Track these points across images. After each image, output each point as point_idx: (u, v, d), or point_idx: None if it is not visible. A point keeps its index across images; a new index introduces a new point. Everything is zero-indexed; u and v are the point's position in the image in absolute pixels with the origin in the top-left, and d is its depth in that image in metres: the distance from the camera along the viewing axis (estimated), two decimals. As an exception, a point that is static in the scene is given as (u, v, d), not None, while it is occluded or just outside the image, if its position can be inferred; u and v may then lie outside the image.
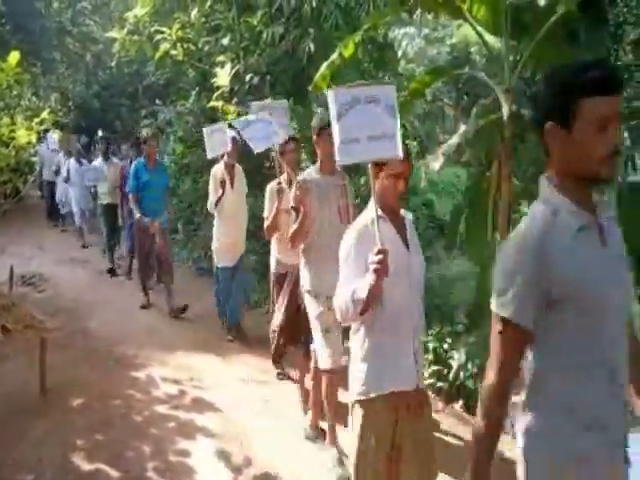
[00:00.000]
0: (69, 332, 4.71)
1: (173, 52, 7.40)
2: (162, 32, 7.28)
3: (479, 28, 4.70)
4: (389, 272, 1.75)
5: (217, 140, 4.37)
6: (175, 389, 3.75)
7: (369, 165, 1.91)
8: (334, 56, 4.77)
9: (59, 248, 8.15)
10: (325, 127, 2.51)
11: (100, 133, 9.61)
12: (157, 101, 9.13)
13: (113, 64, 10.50)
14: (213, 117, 7.12)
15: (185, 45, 7.46)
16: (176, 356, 4.33)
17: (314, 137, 2.84)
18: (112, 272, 6.78)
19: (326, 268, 2.55)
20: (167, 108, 8.48)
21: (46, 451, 2.96)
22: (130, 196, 5.19)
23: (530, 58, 4.44)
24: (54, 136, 8.98)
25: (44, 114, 5.10)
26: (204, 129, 4.50)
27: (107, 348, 4.43)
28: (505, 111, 4.20)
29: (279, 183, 3.42)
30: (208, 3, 7.28)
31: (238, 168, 4.69)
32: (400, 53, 14.08)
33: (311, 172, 2.91)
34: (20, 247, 7.74)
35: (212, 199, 4.49)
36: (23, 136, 4.51)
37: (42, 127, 9.03)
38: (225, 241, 4.58)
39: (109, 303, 5.63)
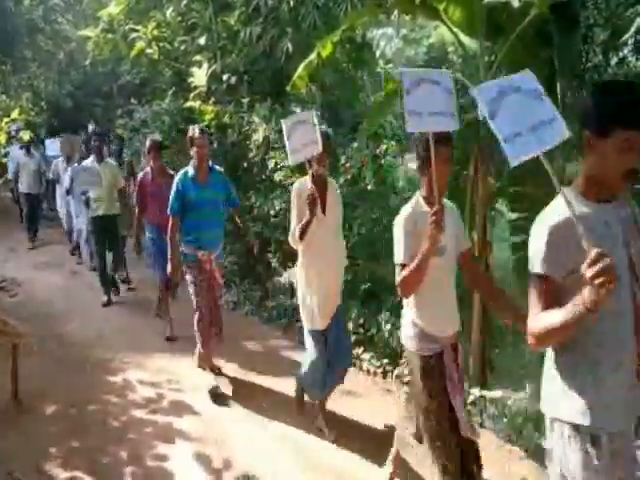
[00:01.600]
0: (43, 337, 4.58)
1: (149, 51, 7.30)
2: (137, 31, 7.17)
3: (455, 29, 4.76)
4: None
5: (303, 136, 2.86)
6: (153, 393, 3.69)
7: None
8: (312, 56, 4.77)
9: (32, 251, 7.94)
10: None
11: (91, 128, 9.12)
12: (132, 100, 8.97)
13: (87, 63, 10.30)
14: (190, 117, 7.04)
15: (161, 44, 7.37)
16: (154, 359, 4.26)
17: None
18: (109, 303, 5.61)
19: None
20: (143, 108, 8.34)
21: (17, 461, 2.88)
22: (171, 221, 3.70)
23: (504, 59, 4.51)
24: (56, 141, 8.15)
25: (14, 113, 4.98)
26: (283, 121, 3.02)
27: (82, 353, 4.33)
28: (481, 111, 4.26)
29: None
30: (184, 2, 7.19)
31: (332, 182, 3.24)
32: (378, 53, 14.19)
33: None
34: (-9, 251, 7.54)
35: (295, 227, 2.96)
36: (-8, 136, 4.38)
37: (14, 127, 8.76)
38: (317, 292, 3.03)
39: (84, 307, 5.51)
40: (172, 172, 4.51)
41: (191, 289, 3.73)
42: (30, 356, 3.99)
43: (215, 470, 2.84)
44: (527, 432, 3.01)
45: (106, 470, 2.83)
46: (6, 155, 8.90)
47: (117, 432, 3.20)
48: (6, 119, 5.03)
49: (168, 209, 3.71)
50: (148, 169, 4.67)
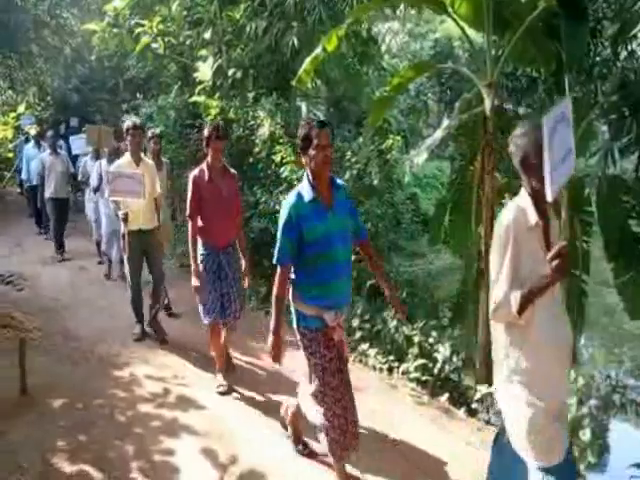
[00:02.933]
0: (50, 332, 4.62)
1: (154, 45, 7.29)
2: (142, 25, 7.16)
3: (462, 23, 4.72)
4: None
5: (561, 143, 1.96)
6: (159, 387, 3.70)
7: None
8: (318, 50, 4.75)
9: (39, 246, 7.98)
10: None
11: (73, 123, 8.79)
12: (138, 95, 8.98)
13: (93, 58, 10.31)
14: (195, 112, 7.04)
15: (166, 39, 7.36)
16: (159, 354, 4.28)
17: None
18: (143, 336, 4.55)
19: None
20: (148, 102, 8.35)
21: (26, 454, 2.89)
22: (279, 276, 2.47)
23: (511, 53, 4.48)
24: (82, 137, 7.51)
25: (21, 108, 4.99)
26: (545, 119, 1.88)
27: (89, 347, 4.35)
28: (487, 105, 4.24)
29: None
30: (189, -5, 7.18)
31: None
32: (384, 48, 14.11)
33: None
34: (-2, 245, 7.58)
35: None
36: (-2, 131, 4.40)
37: (27, 121, 8.57)
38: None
39: (90, 302, 5.53)
40: (233, 171, 3.73)
41: (313, 375, 2.51)
42: (37, 350, 4.03)
43: (221, 465, 2.85)
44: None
45: (112, 464, 2.84)
46: (15, 149, 8.80)
47: (123, 426, 3.22)
48: (12, 114, 5.03)
49: (274, 258, 2.46)
50: (204, 166, 3.57)
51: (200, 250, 3.57)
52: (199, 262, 3.52)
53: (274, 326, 2.49)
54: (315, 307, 2.45)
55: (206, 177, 3.54)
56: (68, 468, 2.81)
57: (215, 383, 3.68)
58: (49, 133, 7.84)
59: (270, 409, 3.39)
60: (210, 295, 3.53)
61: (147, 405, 3.46)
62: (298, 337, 2.55)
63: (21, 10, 10.81)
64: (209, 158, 3.56)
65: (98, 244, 6.72)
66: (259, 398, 3.60)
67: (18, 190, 11.27)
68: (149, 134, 5.09)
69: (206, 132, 3.51)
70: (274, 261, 2.48)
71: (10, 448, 2.95)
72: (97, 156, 6.47)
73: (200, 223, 3.55)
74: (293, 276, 2.52)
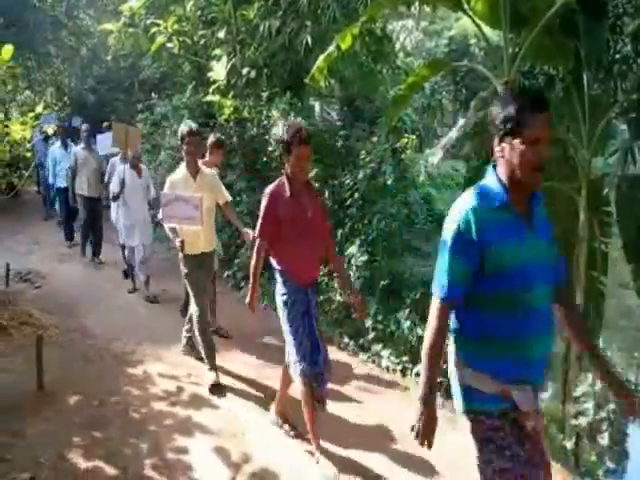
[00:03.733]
0: (66, 329, 4.68)
1: (169, 45, 7.34)
2: (158, 25, 7.21)
3: (478, 20, 4.66)
4: None
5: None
6: (173, 385, 3.73)
7: None
8: (331, 49, 4.73)
9: (55, 244, 8.10)
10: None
11: (78, 123, 8.14)
12: (153, 95, 9.04)
13: (109, 58, 10.42)
14: (209, 111, 7.08)
15: (181, 38, 7.39)
16: (173, 352, 4.31)
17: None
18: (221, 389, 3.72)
19: None
20: (163, 102, 8.41)
21: (42, 449, 2.93)
22: (438, 307, 1.68)
23: (529, 50, 4.40)
24: (108, 135, 6.75)
25: (39, 108, 5.06)
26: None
27: (104, 345, 4.40)
28: (504, 104, 4.17)
29: None
30: (204, -5, 7.20)
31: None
32: (398, 46, 14.02)
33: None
34: (16, 243, 7.70)
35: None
36: (17, 131, 4.46)
37: (50, 119, 8.37)
38: None
39: (105, 299, 5.60)
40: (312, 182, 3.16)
41: None
42: (54, 347, 4.08)
43: (233, 464, 2.86)
44: (550, 433, 2.95)
45: (127, 461, 2.87)
46: (33, 148, 8.89)
47: (138, 424, 3.25)
48: (31, 114, 5.10)
49: (434, 288, 1.70)
50: (283, 179, 2.86)
51: (280, 288, 2.89)
52: (284, 302, 2.87)
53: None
54: (497, 383, 1.62)
55: (287, 192, 2.80)
56: (83, 464, 2.85)
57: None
58: (84, 127, 7.23)
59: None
60: (299, 333, 2.82)
61: (161, 403, 3.49)
62: (468, 426, 1.72)
63: (40, 12, 10.98)
64: (290, 168, 2.81)
65: (124, 248, 6.30)
66: (270, 396, 3.60)
67: (35, 188, 11.45)
68: (210, 140, 4.46)
69: (286, 135, 2.77)
70: (434, 292, 1.68)
71: (27, 443, 2.99)
72: (124, 159, 5.96)
73: (278, 251, 2.89)
74: (454, 324, 1.73)
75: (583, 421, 2.82)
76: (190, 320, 4.04)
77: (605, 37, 4.66)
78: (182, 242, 3.66)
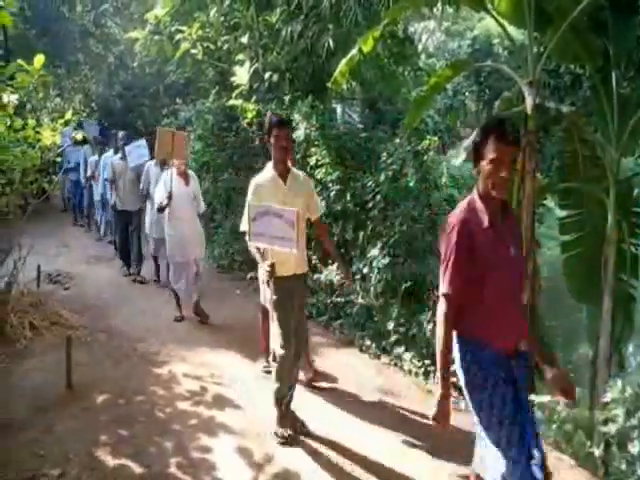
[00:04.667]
0: (94, 329, 4.80)
1: (193, 51, 7.47)
2: (182, 31, 7.36)
3: (502, 20, 4.61)
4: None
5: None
6: (196, 386, 3.79)
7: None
8: (353, 52, 4.75)
9: (84, 247, 8.33)
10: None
11: (121, 134, 6.78)
12: (177, 100, 9.23)
13: (135, 64, 10.68)
14: (232, 115, 7.17)
15: (205, 44, 7.53)
16: (197, 353, 4.38)
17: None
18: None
19: None
20: (187, 107, 8.57)
21: (72, 446, 3.01)
22: None
23: (555, 50, 4.33)
24: (141, 145, 6.25)
25: (68, 115, 5.21)
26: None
27: (131, 345, 4.50)
28: (529, 104, 4.11)
29: None
30: (227, 2, 7.32)
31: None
32: (420, 47, 13.94)
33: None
34: (46, 246, 7.93)
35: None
36: (48, 137, 4.60)
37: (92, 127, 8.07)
38: None
39: (132, 301, 5.71)
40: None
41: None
42: (83, 347, 4.19)
43: (256, 464, 2.88)
44: (577, 439, 2.88)
45: (152, 459, 2.92)
46: (60, 155, 9.12)
47: (162, 423, 3.31)
48: (60, 120, 5.26)
49: None
50: (474, 197, 2.05)
51: (469, 357, 2.04)
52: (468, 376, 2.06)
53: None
54: None
55: (484, 222, 1.98)
56: (111, 461, 2.91)
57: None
58: (120, 134, 6.69)
59: (306, 410, 3.40)
60: (504, 427, 1.96)
61: (185, 403, 3.55)
62: None
63: (69, 21, 11.34)
64: (484, 183, 1.99)
65: (156, 260, 6.14)
66: (296, 397, 3.62)
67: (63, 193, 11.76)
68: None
69: (477, 135, 2.04)
70: None
71: (57, 439, 3.08)
72: (163, 164, 5.65)
73: (471, 308, 2.01)
74: None
75: (613, 428, 2.74)
76: (271, 357, 3.65)
77: (635, 34, 4.55)
78: (272, 265, 2.89)
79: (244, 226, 3.10)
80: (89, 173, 8.30)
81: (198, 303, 5.08)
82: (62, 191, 10.41)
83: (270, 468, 2.85)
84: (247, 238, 3.03)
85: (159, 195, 4.95)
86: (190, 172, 5.19)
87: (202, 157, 7.39)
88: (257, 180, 3.10)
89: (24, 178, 4.81)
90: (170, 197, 4.81)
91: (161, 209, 4.93)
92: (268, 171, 3.10)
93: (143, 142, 6.30)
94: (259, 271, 3.65)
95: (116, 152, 6.81)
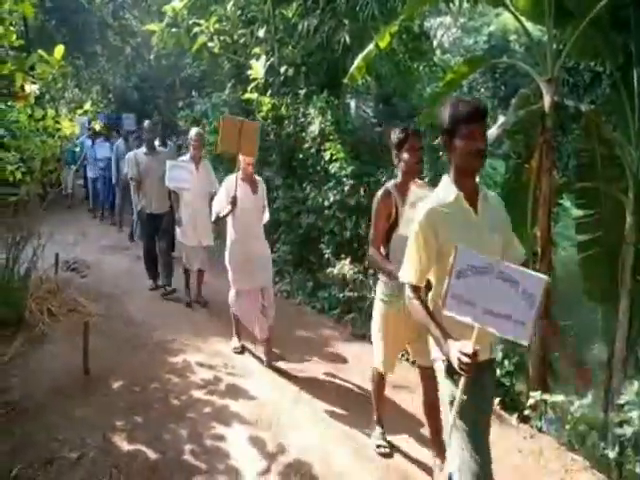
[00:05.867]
0: (111, 317, 4.88)
1: (210, 44, 7.50)
2: (199, 25, 7.39)
3: (520, 16, 4.57)
4: None
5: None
6: (210, 375, 3.84)
7: None
8: (370, 47, 4.74)
9: (101, 235, 8.45)
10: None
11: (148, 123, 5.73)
12: (193, 93, 9.27)
13: (152, 57, 10.75)
14: (248, 108, 7.20)
15: (221, 37, 7.55)
16: (211, 342, 4.43)
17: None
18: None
19: None
20: (203, 100, 8.61)
21: (88, 431, 3.08)
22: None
23: (574, 47, 4.30)
24: (185, 166, 5.00)
25: (86, 106, 5.28)
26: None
27: (147, 333, 4.57)
28: (547, 101, 4.09)
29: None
30: (244, -5, 7.33)
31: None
32: (435, 43, 13.81)
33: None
34: (64, 234, 8.04)
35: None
36: (67, 127, 4.68)
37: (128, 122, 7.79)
38: None
39: (147, 289, 5.78)
40: None
41: None
42: (100, 334, 4.26)
43: (269, 454, 2.93)
44: (591, 441, 2.88)
45: (166, 446, 2.98)
46: (77, 145, 9.22)
47: (177, 410, 3.36)
48: (79, 110, 5.34)
49: None
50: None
51: None
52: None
53: None
54: None
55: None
56: (126, 447, 2.97)
57: None
58: (146, 124, 5.68)
59: (318, 402, 3.44)
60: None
61: (199, 391, 3.60)
62: None
63: (88, 13, 11.45)
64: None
65: (187, 274, 5.36)
66: (308, 389, 3.66)
67: (81, 182, 11.90)
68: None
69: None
70: None
71: (75, 424, 3.15)
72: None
73: None
74: None
75: (628, 431, 2.74)
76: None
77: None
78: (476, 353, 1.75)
79: (409, 275, 1.97)
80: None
81: (269, 342, 4.06)
82: (65, 182, 9.68)
83: (283, 458, 2.89)
84: (408, 294, 1.97)
85: (219, 203, 4.03)
86: (257, 177, 4.18)
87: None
88: (431, 204, 1.94)
89: (44, 167, 4.89)
90: (234, 203, 3.86)
91: (217, 219, 4.13)
92: (445, 188, 1.98)
93: (189, 166, 5.02)
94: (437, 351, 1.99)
95: (137, 144, 6.77)
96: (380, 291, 2.81)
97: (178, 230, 5.22)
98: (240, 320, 4.18)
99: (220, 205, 4.01)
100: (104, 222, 9.47)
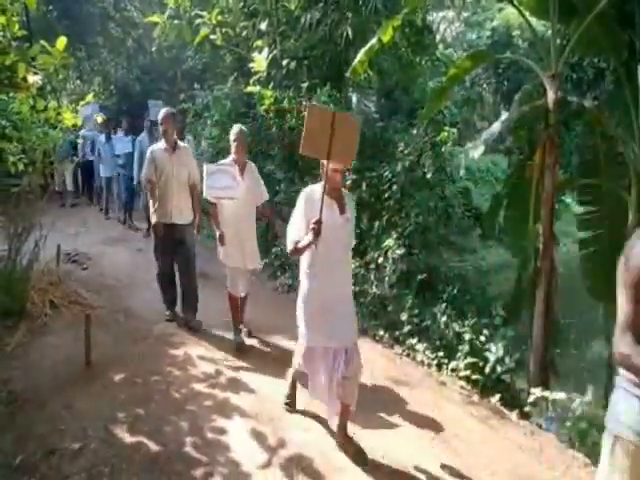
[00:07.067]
0: (111, 309, 4.89)
1: (212, 37, 7.47)
2: (201, 17, 7.35)
3: (524, 11, 4.55)
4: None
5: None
6: (211, 368, 3.85)
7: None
8: (373, 41, 4.72)
9: (102, 227, 8.45)
10: None
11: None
12: (195, 85, 9.24)
13: (153, 49, 10.70)
14: (250, 101, 7.18)
15: (223, 30, 7.52)
16: (212, 336, 4.44)
17: None
18: None
19: None
20: (205, 92, 8.58)
21: (90, 422, 3.10)
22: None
23: (579, 42, 4.27)
24: (228, 170, 4.00)
25: (89, 97, 5.26)
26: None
27: (148, 326, 4.57)
28: (550, 97, 4.07)
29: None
30: (247, -13, 7.29)
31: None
32: (438, 37, 13.73)
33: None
34: (65, 225, 8.05)
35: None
36: (69, 119, 4.66)
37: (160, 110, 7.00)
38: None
39: (149, 282, 5.76)
40: None
41: None
42: (101, 326, 4.27)
43: (270, 448, 2.94)
44: (592, 438, 2.89)
45: (168, 438, 2.99)
46: (84, 137, 8.99)
47: (178, 403, 3.38)
48: (82, 102, 5.33)
49: None
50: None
51: None
52: None
53: None
54: None
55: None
56: (128, 438, 2.99)
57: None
58: (164, 112, 4.53)
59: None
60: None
61: (200, 384, 3.61)
62: None
63: (90, 4, 11.39)
64: None
65: (232, 300, 4.31)
66: (306, 384, 3.66)
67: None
68: None
69: None
70: None
71: (77, 415, 3.17)
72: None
73: None
74: None
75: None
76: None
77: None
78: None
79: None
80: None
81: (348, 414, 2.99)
82: (61, 179, 9.09)
83: (284, 452, 2.91)
84: None
85: (295, 227, 2.80)
86: (344, 190, 3.02)
87: (219, 143, 7.42)
88: None
89: (45, 158, 4.88)
90: (319, 230, 2.61)
91: (296, 252, 2.82)
92: None
93: (233, 171, 4.05)
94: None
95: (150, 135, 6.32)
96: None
97: (220, 249, 4.18)
98: (304, 385, 3.18)
99: (297, 230, 2.78)
100: (126, 227, 8.48)
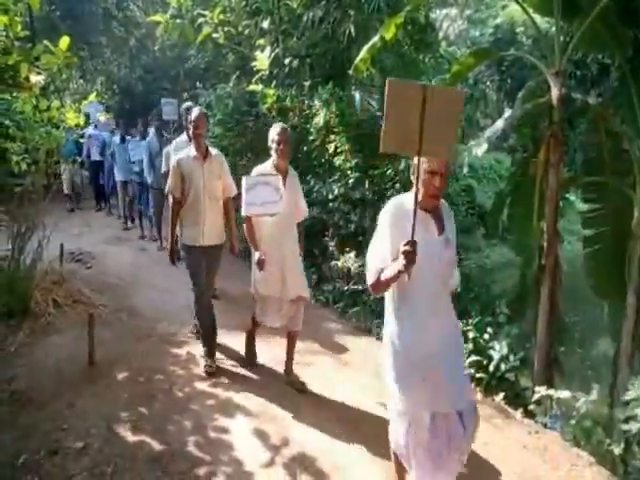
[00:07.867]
0: (115, 308, 4.90)
1: (214, 35, 7.47)
2: (204, 16, 7.35)
3: (527, 8, 4.53)
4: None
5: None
6: (214, 367, 3.84)
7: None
8: (375, 39, 4.71)
9: (106, 227, 8.47)
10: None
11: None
12: (198, 84, 9.24)
13: (156, 48, 10.72)
14: (252, 100, 7.17)
15: (226, 28, 7.51)
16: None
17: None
18: None
19: None
20: (207, 91, 8.58)
21: (94, 421, 3.10)
22: None
23: (582, 39, 4.25)
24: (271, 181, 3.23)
25: (91, 97, 5.27)
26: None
27: (151, 325, 4.58)
28: (554, 94, 4.05)
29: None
30: (249, -14, 7.28)
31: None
32: (441, 35, 13.70)
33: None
34: (69, 225, 8.07)
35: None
36: (72, 118, 4.67)
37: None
38: None
39: (152, 282, 5.80)
40: None
41: None
42: (104, 325, 4.28)
43: (273, 447, 2.93)
44: (596, 437, 2.87)
45: (171, 437, 2.99)
46: (89, 138, 8.91)
47: (181, 402, 3.38)
48: (85, 101, 5.34)
49: None
50: None
51: None
52: None
53: None
54: None
55: None
56: (131, 437, 2.99)
57: None
58: (185, 107, 4.73)
59: (321, 394, 3.45)
60: None
61: (203, 383, 3.61)
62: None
63: (93, 3, 11.42)
64: None
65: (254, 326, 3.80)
66: (312, 383, 3.66)
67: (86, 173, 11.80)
68: None
69: None
70: None
71: (80, 414, 3.17)
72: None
73: None
74: None
75: (634, 427, 2.73)
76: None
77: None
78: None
79: None
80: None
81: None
82: (70, 180, 8.86)
83: (287, 450, 2.90)
84: None
85: (377, 258, 2.12)
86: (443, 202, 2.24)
87: (221, 142, 7.41)
88: None
89: (48, 158, 4.89)
90: (413, 257, 1.89)
91: (380, 286, 2.12)
92: None
93: (275, 180, 3.35)
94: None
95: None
96: None
97: (257, 274, 3.44)
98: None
99: (381, 258, 2.11)
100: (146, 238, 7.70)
